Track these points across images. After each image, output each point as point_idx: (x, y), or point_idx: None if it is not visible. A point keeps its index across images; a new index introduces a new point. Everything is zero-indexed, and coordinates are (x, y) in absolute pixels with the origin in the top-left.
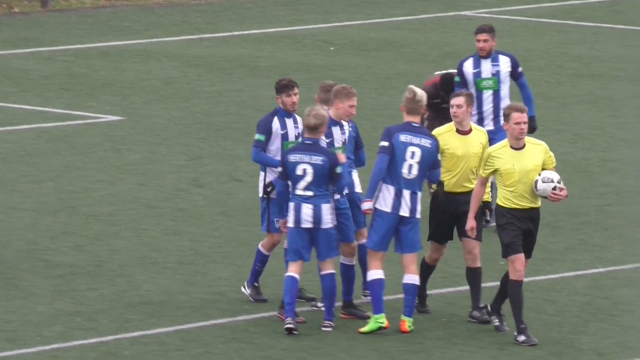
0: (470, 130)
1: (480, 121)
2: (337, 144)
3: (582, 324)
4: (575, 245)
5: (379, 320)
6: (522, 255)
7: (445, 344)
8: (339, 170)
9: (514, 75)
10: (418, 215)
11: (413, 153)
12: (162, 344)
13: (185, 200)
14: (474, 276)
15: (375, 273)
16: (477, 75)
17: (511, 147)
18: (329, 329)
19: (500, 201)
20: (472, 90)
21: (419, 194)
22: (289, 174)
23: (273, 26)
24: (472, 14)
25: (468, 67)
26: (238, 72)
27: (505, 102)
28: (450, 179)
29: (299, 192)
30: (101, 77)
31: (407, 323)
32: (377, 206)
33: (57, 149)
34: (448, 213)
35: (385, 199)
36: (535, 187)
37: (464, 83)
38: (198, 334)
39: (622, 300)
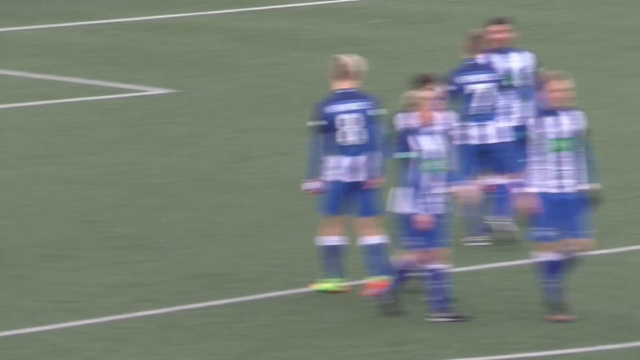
0: None
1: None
2: None
3: None
4: (632, 219)
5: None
6: None
7: (509, 319)
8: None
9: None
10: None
11: (342, 120)
12: (221, 315)
13: (234, 173)
14: None
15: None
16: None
17: None
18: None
19: None
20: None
21: (363, 157)
22: None
23: None
24: None
25: None
26: (282, 45)
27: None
28: None
29: None
30: (147, 50)
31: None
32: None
33: (106, 121)
34: None
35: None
36: None
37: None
38: (255, 306)
39: None
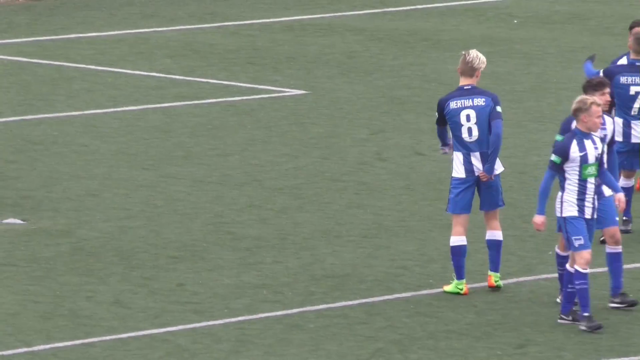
0: None
1: None
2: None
3: None
4: None
5: (459, 286)
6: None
7: (632, 320)
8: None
9: None
10: (496, 172)
11: (468, 116)
12: (346, 317)
13: (368, 174)
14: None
15: (455, 239)
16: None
17: None
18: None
19: None
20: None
21: (485, 153)
22: None
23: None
24: None
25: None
26: (421, 46)
27: None
28: None
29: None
30: (285, 51)
31: (492, 278)
32: (453, 174)
33: (242, 122)
34: None
35: (457, 166)
36: None
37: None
38: (382, 308)
39: None
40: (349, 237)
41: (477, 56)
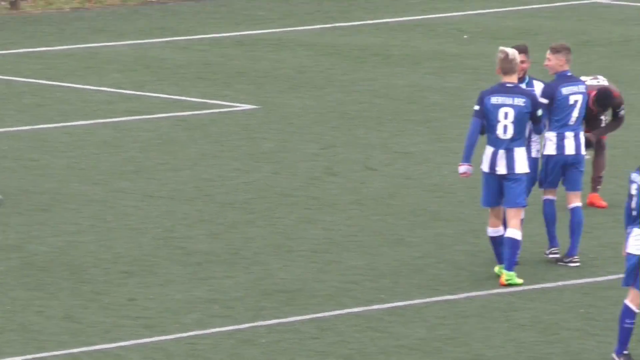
0: None
1: None
2: None
3: None
4: None
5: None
6: None
7: (583, 335)
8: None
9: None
10: (519, 171)
11: (506, 114)
12: (297, 332)
13: (318, 189)
14: None
15: (491, 231)
16: None
17: None
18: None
19: None
20: None
21: (517, 151)
22: None
23: (406, 14)
24: (609, 2)
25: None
26: (371, 61)
27: None
28: None
29: None
30: (236, 65)
31: (505, 276)
32: (481, 167)
33: (193, 137)
34: None
35: (485, 160)
36: None
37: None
38: (333, 323)
39: None
40: (299, 251)
41: (514, 52)
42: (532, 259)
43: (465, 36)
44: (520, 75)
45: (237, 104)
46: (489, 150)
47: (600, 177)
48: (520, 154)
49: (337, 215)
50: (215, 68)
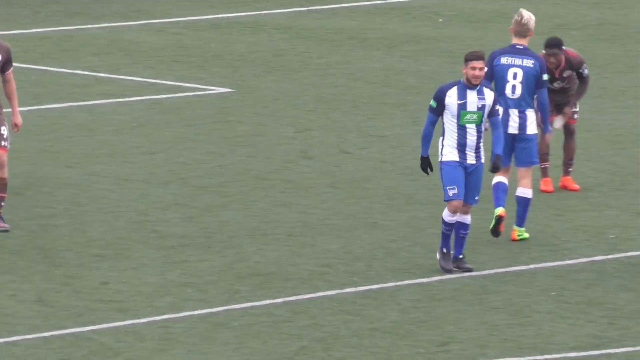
0: None
1: None
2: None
3: None
4: None
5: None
6: None
7: (555, 318)
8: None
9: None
10: (530, 132)
11: (515, 74)
12: (271, 315)
13: (293, 172)
14: None
15: (496, 178)
16: (462, 107)
17: None
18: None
19: None
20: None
21: (528, 112)
22: None
23: None
24: None
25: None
26: (347, 44)
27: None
28: None
29: None
30: (211, 49)
31: (516, 232)
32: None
33: (168, 120)
34: None
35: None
36: None
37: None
38: (306, 306)
39: None
40: (274, 235)
41: (530, 17)
42: (504, 242)
43: (440, 19)
44: (477, 83)
45: (213, 87)
46: (510, 110)
47: (571, 160)
48: (531, 115)
49: (312, 199)
50: (191, 51)
